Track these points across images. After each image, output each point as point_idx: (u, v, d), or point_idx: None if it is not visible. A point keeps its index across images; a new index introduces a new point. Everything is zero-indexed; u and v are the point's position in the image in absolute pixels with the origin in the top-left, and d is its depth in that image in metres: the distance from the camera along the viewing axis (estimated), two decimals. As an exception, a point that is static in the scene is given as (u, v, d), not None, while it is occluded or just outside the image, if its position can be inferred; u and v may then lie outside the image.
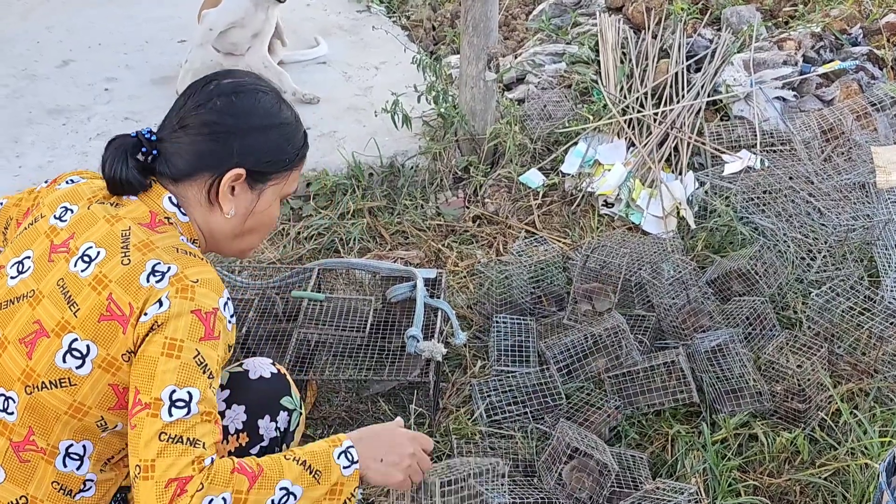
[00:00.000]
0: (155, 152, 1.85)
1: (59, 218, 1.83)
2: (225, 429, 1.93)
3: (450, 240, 3.64)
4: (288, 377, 2.07)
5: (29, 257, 1.81)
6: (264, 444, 1.99)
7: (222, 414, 1.95)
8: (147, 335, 1.68)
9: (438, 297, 2.96)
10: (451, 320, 2.89)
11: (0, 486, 1.75)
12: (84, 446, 1.78)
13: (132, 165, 1.82)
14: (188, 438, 1.64)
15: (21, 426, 1.74)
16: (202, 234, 1.90)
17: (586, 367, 2.88)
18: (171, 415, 1.64)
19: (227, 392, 1.98)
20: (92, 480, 1.82)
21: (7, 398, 1.74)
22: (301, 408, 2.07)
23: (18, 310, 1.76)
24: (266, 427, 1.99)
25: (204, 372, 1.69)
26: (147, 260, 1.73)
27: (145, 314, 1.69)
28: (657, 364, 2.80)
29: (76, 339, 1.71)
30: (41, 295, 1.75)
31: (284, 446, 2.04)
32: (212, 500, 1.62)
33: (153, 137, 1.85)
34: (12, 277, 1.80)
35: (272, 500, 1.68)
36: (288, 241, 3.60)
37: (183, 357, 1.67)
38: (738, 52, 4.37)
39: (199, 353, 1.68)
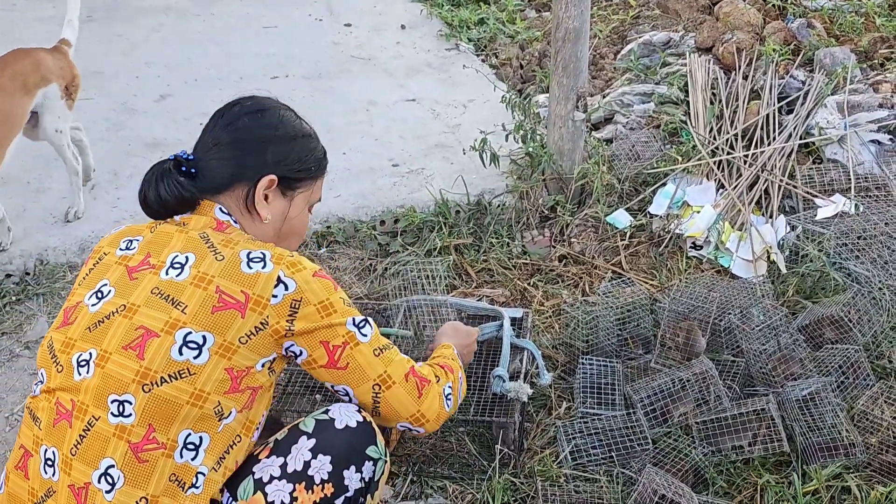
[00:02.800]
0: (194, 171, 2.05)
1: (126, 248, 2.00)
2: (310, 479, 1.97)
3: (535, 279, 3.64)
4: (373, 425, 2.09)
5: (105, 284, 1.95)
6: (349, 494, 2.00)
7: (308, 464, 1.98)
8: (292, 314, 1.93)
9: (524, 337, 2.96)
10: (536, 360, 2.89)
11: (120, 490, 1.82)
12: (201, 437, 1.88)
13: (176, 182, 2.02)
14: (386, 345, 2.07)
15: (140, 426, 1.83)
16: None
17: (673, 412, 2.85)
18: (365, 335, 2.02)
19: (312, 441, 2.00)
20: (203, 475, 1.88)
21: (122, 402, 1.84)
22: (386, 456, 2.10)
23: (112, 325, 1.89)
24: (351, 477, 2.01)
25: (354, 307, 2.04)
26: (238, 251, 1.95)
27: (274, 296, 1.91)
28: (746, 411, 2.75)
29: (190, 333, 1.87)
30: (135, 306, 1.89)
31: (368, 496, 2.06)
32: (445, 388, 2.18)
33: (191, 157, 2.07)
34: (93, 305, 1.93)
35: (461, 379, 2.29)
36: (375, 276, 3.64)
37: (337, 307, 1.98)
38: (832, 94, 4.30)
39: (343, 299, 2.01)
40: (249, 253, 1.94)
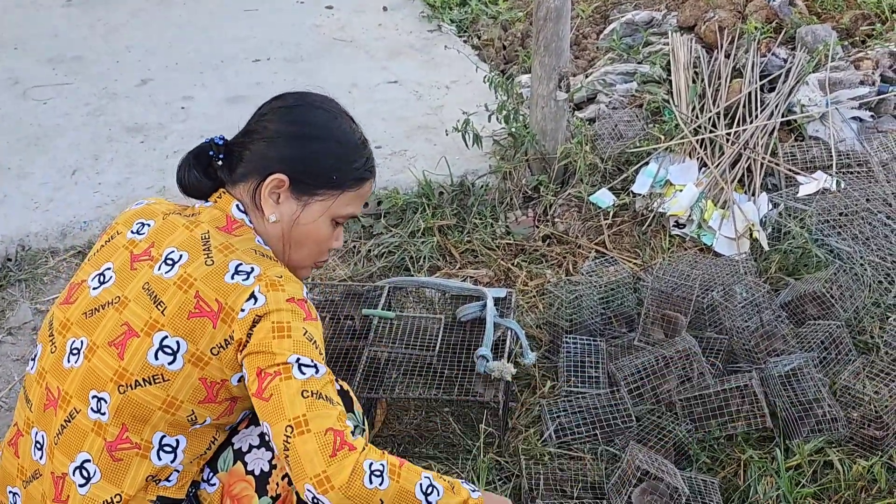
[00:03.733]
0: (222, 156, 1.99)
1: (137, 232, 1.95)
2: None
3: (519, 259, 3.64)
4: (351, 394, 2.09)
5: (110, 268, 1.92)
6: None
7: None
8: (251, 329, 1.79)
9: (508, 317, 2.96)
10: (520, 340, 2.89)
11: (95, 485, 1.84)
12: (177, 440, 1.87)
13: (199, 167, 1.98)
14: (326, 396, 1.76)
15: (114, 425, 1.83)
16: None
17: (657, 390, 2.86)
18: (302, 373, 1.76)
19: None
20: (178, 472, 1.90)
21: (100, 399, 1.83)
22: (364, 424, 2.09)
23: (104, 316, 1.86)
24: None
25: (316, 347, 1.81)
26: (229, 260, 1.85)
27: (242, 310, 1.79)
28: (730, 387, 2.77)
29: (166, 337, 1.81)
30: (127, 300, 1.85)
31: None
32: (372, 463, 1.74)
33: (220, 143, 2.00)
34: (94, 288, 1.91)
35: (420, 485, 1.79)
36: (359, 258, 3.63)
37: (294, 335, 1.79)
38: (814, 71, 4.31)
39: (307, 331, 1.81)
40: (239, 265, 1.84)
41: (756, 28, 4.60)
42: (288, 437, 1.72)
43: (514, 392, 2.95)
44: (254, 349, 1.78)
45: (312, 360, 1.78)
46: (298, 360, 1.77)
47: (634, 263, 3.57)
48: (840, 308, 3.11)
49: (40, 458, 1.90)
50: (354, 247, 3.71)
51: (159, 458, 1.86)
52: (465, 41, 5.48)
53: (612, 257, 3.56)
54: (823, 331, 3.00)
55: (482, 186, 3.97)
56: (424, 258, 3.59)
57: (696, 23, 4.84)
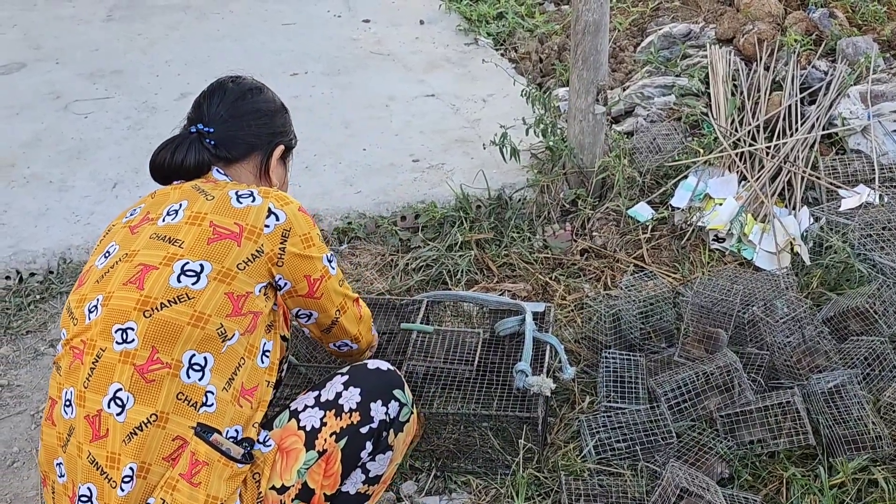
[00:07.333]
0: (213, 142, 2.22)
1: (130, 215, 2.15)
2: (340, 407, 2.14)
3: (557, 273, 3.63)
4: (402, 378, 2.25)
5: (112, 245, 2.09)
6: (373, 425, 2.15)
7: (339, 394, 2.15)
8: (283, 243, 2.10)
9: (546, 331, 2.95)
10: (559, 355, 2.88)
11: (131, 409, 1.93)
12: (205, 358, 1.98)
13: (205, 153, 2.20)
14: (343, 276, 2.34)
15: (143, 349, 1.94)
16: None
17: (697, 406, 2.83)
18: (333, 269, 2.26)
19: (346, 377, 2.19)
20: (212, 393, 1.98)
21: (125, 330, 1.96)
22: (412, 407, 2.24)
23: (115, 271, 2.03)
24: (377, 410, 2.16)
25: (326, 241, 2.28)
26: (227, 191, 2.11)
27: (266, 226, 2.08)
28: (771, 404, 2.74)
29: (187, 263, 2.00)
30: (135, 252, 2.04)
31: (392, 432, 2.19)
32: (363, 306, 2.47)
33: (211, 130, 2.22)
34: (101, 263, 2.07)
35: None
36: (396, 272, 3.64)
37: (314, 240, 2.17)
38: (855, 83, 4.27)
39: (318, 234, 2.20)
40: (238, 192, 2.10)
41: (796, 40, 4.57)
42: (336, 317, 2.32)
43: (553, 407, 2.94)
44: (293, 260, 2.12)
45: (331, 254, 2.25)
46: (326, 257, 2.22)
47: (673, 278, 3.54)
48: (883, 324, 3.07)
49: (70, 413, 1.98)
50: (392, 260, 3.72)
51: (188, 377, 1.95)
52: (501, 54, 5.49)
53: (650, 272, 3.53)
54: (867, 347, 2.96)
55: (520, 200, 3.96)
56: (462, 272, 3.59)
57: (734, 35, 4.82)
